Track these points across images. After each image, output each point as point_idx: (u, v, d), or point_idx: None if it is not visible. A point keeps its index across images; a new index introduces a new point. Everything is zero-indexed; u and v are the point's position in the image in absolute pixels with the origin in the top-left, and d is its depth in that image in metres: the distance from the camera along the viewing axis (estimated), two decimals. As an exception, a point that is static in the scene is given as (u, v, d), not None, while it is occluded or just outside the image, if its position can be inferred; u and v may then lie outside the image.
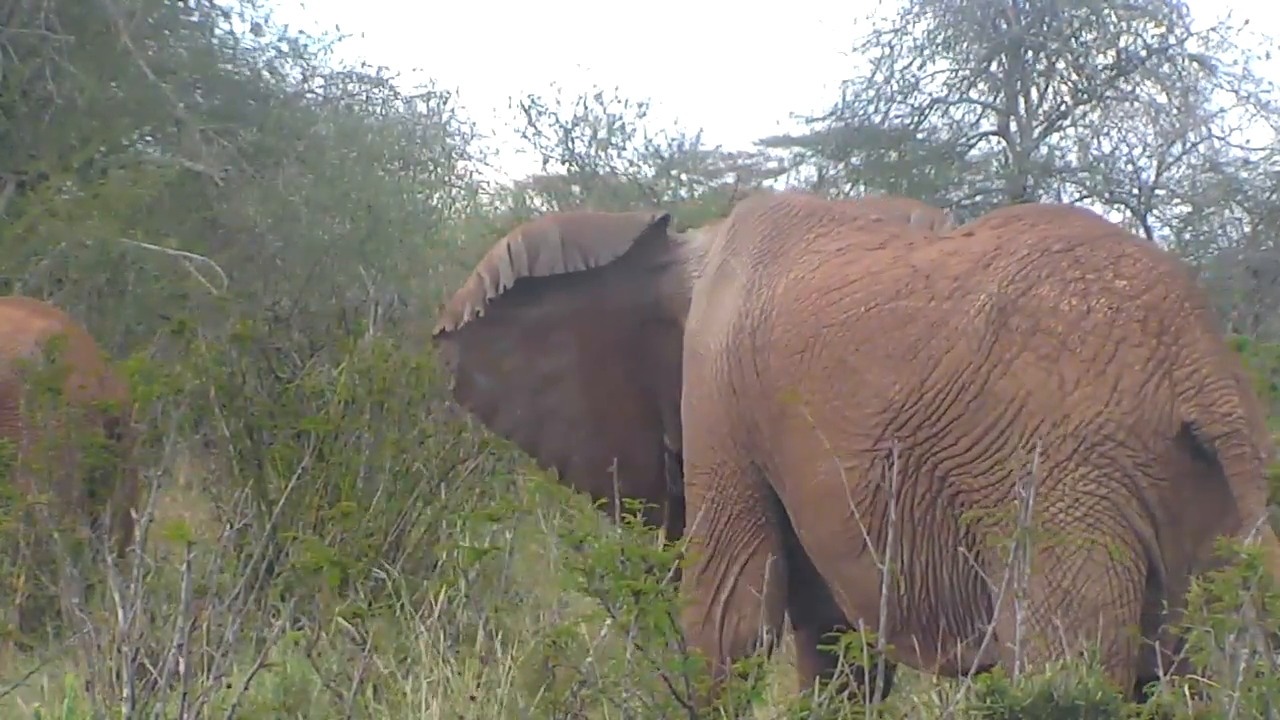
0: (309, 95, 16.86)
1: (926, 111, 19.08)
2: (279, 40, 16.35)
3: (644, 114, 20.08)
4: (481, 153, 20.80)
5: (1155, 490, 5.37)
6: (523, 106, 19.79)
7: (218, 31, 16.05)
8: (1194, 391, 5.37)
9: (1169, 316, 5.46)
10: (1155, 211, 18.86)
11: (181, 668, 5.11)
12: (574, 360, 6.86)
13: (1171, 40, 18.73)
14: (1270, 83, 20.72)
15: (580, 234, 6.88)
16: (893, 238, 6.15)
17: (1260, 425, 5.48)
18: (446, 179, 19.33)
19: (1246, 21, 22.26)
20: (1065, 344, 5.45)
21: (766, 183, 20.37)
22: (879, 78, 18.91)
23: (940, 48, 19.00)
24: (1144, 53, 18.72)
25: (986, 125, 19.45)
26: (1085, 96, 18.95)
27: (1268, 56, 21.61)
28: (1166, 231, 18.94)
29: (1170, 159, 18.75)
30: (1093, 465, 5.37)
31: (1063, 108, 19.08)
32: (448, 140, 19.13)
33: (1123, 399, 5.38)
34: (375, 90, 17.72)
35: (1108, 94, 18.90)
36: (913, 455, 5.65)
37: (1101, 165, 18.95)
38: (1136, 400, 5.37)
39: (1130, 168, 18.95)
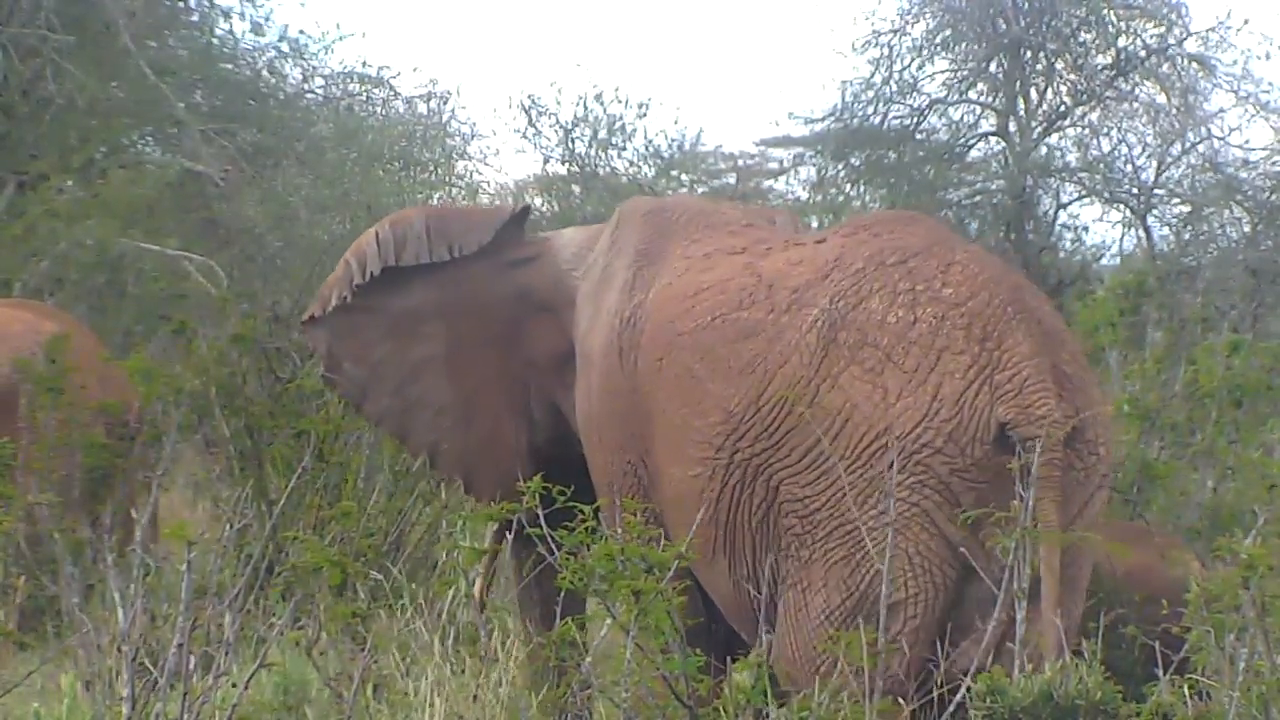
0: (309, 95, 16.86)
1: (926, 112, 19.06)
2: (279, 40, 16.36)
3: (644, 114, 20.07)
4: (481, 153, 20.79)
5: (973, 494, 5.47)
6: (523, 107, 19.80)
7: (218, 31, 16.05)
8: (1013, 393, 5.47)
9: (992, 322, 5.56)
10: (1155, 211, 18.85)
11: (182, 668, 5.11)
12: (442, 349, 6.95)
13: (1171, 40, 18.71)
14: (1270, 83, 20.70)
15: (445, 225, 6.99)
16: (754, 243, 6.26)
17: (1095, 423, 5.55)
18: (446, 179, 19.33)
19: (1246, 21, 22.18)
20: (890, 356, 5.58)
21: (767, 183, 20.38)
22: (878, 78, 18.89)
23: (939, 48, 18.98)
24: (1143, 53, 18.70)
25: (986, 126, 19.43)
26: (1085, 97, 18.93)
27: (1267, 57, 21.57)
28: (1166, 231, 18.95)
29: (1170, 159, 18.73)
30: (909, 473, 5.48)
31: (1062, 108, 19.06)
32: (448, 141, 19.15)
33: (943, 407, 5.49)
34: (375, 90, 17.73)
35: (1107, 94, 18.88)
36: (750, 465, 5.77)
37: (1101, 165, 18.94)
38: (956, 408, 5.48)
39: (1130, 168, 18.94)
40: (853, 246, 5.91)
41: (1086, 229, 19.72)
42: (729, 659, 6.16)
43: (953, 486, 5.46)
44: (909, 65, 18.94)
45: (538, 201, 19.99)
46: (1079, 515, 5.50)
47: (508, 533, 6.55)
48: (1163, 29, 18.73)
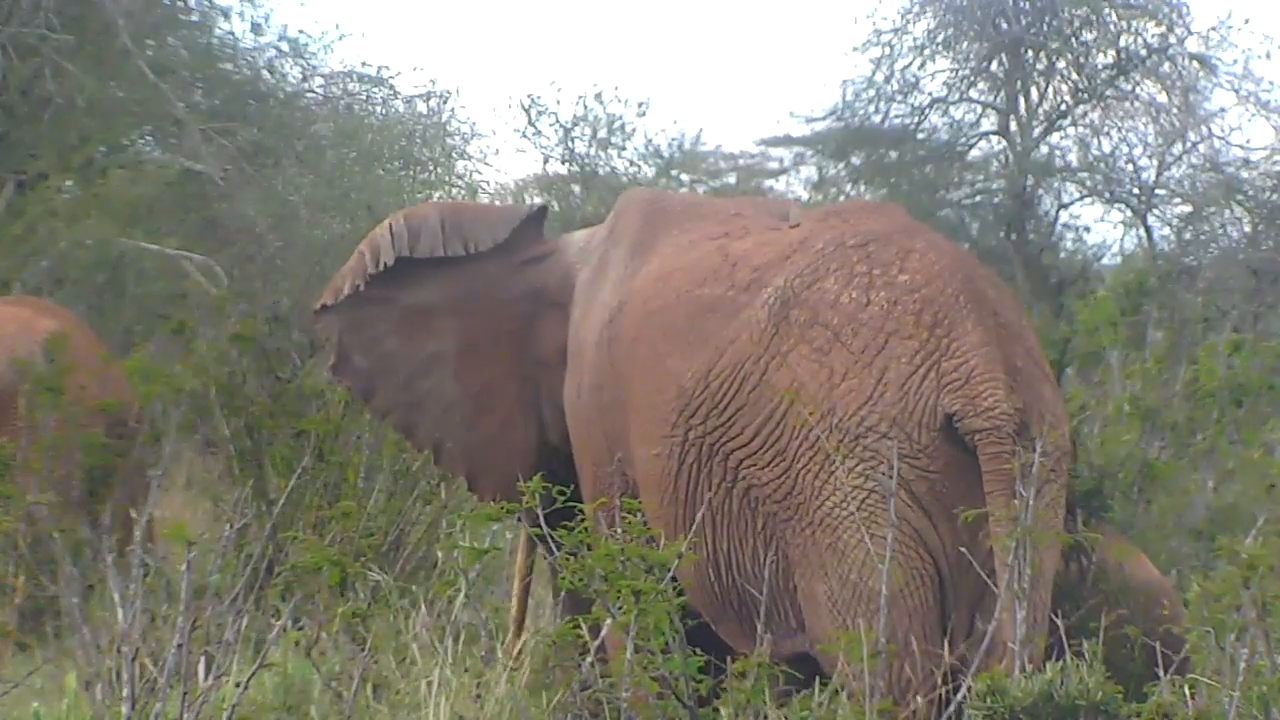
0: (309, 95, 16.86)
1: (926, 111, 19.06)
2: (279, 40, 16.39)
3: (644, 114, 20.08)
4: (481, 152, 20.75)
5: (924, 482, 5.45)
6: (523, 106, 19.80)
7: (217, 31, 16.07)
8: (960, 383, 5.44)
9: (944, 310, 5.53)
10: (1155, 211, 18.85)
11: (182, 668, 5.11)
12: (453, 345, 6.94)
13: (1172, 39, 18.71)
14: (1270, 82, 20.62)
15: (460, 220, 6.98)
16: (735, 229, 6.23)
17: (1051, 416, 5.52)
18: (446, 179, 19.30)
19: (1247, 21, 22.22)
20: (838, 337, 5.56)
21: (767, 183, 20.38)
22: (879, 77, 18.89)
23: (940, 47, 18.97)
24: (1144, 52, 18.70)
25: (986, 125, 19.43)
26: (1085, 96, 18.93)
27: (1268, 56, 21.58)
28: (1167, 231, 18.94)
29: (1171, 158, 18.72)
30: (858, 458, 5.44)
31: (1063, 107, 19.06)
32: (448, 140, 19.12)
33: (887, 391, 5.46)
34: (375, 90, 17.72)
35: (1108, 93, 18.87)
36: (705, 443, 5.75)
37: (1102, 165, 18.93)
38: (901, 392, 5.45)
39: (1130, 167, 18.93)
40: (819, 230, 5.91)
41: (1087, 229, 19.76)
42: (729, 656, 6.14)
43: (903, 472, 5.42)
44: (910, 64, 18.94)
45: (537, 202, 19.98)
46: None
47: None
48: (1164, 28, 18.74)
